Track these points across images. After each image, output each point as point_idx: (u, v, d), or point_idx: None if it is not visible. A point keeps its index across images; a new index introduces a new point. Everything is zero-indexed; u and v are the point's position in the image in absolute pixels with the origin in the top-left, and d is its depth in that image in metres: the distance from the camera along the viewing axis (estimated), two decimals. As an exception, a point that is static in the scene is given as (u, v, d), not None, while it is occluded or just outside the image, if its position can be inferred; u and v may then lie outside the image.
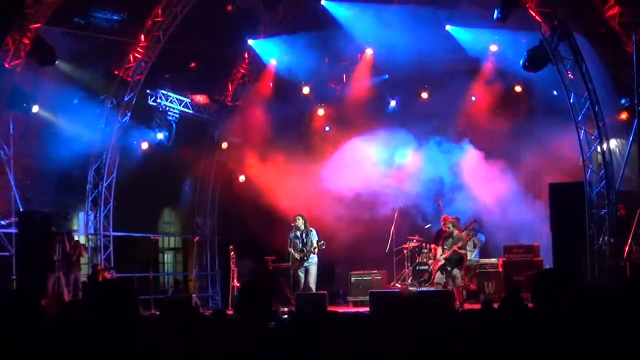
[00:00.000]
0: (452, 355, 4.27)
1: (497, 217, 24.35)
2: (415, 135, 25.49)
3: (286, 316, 17.71)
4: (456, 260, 21.11)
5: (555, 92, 22.80)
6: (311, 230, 22.22)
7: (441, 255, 21.27)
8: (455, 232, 21.36)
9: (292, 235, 22.42)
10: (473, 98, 25.43)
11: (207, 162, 26.99)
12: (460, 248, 21.16)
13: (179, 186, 26.71)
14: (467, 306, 19.38)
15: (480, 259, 24.27)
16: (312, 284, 21.93)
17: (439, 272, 21.60)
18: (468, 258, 23.41)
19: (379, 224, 24.95)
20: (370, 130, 26.11)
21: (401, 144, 25.67)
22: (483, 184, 24.63)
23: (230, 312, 20.41)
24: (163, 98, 25.76)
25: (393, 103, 27.04)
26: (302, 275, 22.08)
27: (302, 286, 22.00)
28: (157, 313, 16.41)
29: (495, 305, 9.91)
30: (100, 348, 4.63)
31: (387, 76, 26.38)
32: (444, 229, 21.82)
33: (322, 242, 22.04)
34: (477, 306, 17.28)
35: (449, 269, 21.00)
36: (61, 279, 22.49)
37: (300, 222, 22.26)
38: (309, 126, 27.09)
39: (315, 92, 26.81)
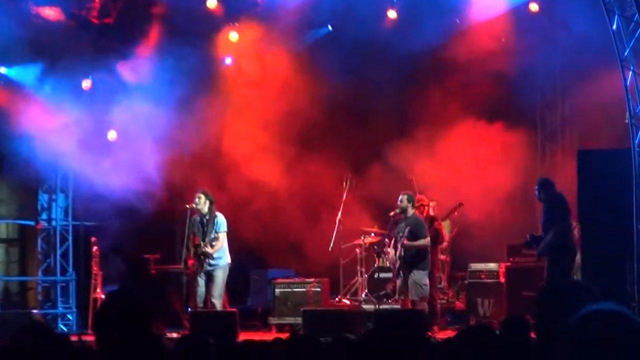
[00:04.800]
0: None
1: (495, 205, 20.71)
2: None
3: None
4: (414, 256, 17.43)
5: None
6: (217, 216, 18.20)
7: (395, 254, 17.65)
8: (411, 210, 17.88)
9: (189, 222, 18.44)
10: (457, 20, 21.04)
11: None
12: (421, 236, 17.67)
13: (10, 143, 21.92)
14: (444, 335, 15.54)
15: (472, 264, 20.41)
16: (217, 298, 18.17)
17: (398, 280, 17.98)
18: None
19: (319, 209, 21.59)
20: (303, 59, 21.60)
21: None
22: (469, 156, 21.19)
23: (89, 337, 16.29)
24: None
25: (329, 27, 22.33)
26: (201, 282, 18.28)
27: (200, 300, 18.37)
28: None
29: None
30: None
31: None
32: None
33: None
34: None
35: (405, 270, 17.43)
36: None
37: (202, 203, 18.07)
38: (213, 57, 22.29)
39: (227, 7, 21.64)
